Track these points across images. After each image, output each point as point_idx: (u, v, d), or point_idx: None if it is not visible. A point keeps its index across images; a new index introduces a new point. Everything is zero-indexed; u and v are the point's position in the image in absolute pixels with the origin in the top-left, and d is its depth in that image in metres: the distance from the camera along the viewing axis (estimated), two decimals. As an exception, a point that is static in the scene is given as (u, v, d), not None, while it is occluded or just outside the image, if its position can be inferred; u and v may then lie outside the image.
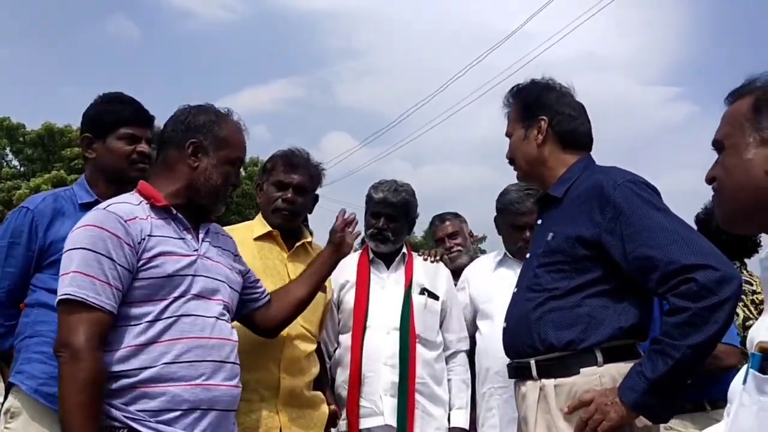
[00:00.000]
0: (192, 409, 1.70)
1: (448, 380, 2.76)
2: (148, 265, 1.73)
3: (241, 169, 2.02)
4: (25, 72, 44.15)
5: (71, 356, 1.60)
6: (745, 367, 1.13)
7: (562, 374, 1.79)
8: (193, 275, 1.78)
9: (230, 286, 1.92)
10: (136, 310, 1.72)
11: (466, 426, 2.75)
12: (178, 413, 1.69)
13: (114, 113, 2.19)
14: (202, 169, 1.87)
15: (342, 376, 2.63)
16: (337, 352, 2.70)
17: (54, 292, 1.93)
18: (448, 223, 3.64)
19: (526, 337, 1.86)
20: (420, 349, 2.63)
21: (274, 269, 2.35)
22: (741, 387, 1.09)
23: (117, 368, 1.69)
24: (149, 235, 1.76)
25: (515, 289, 2.01)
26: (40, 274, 2.10)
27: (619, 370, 1.75)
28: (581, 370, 1.77)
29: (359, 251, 2.88)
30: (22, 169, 24.57)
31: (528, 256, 2.00)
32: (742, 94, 1.25)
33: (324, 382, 2.61)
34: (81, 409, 1.58)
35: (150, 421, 1.66)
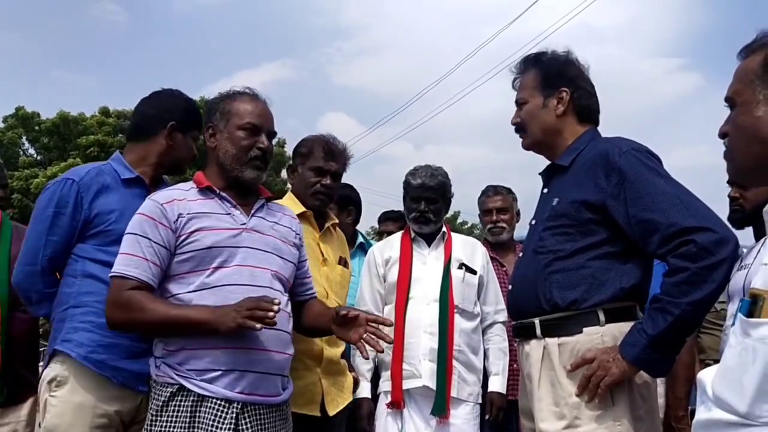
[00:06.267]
0: (231, 370, 1.81)
1: (486, 349, 2.89)
2: (188, 240, 1.87)
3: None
4: (14, 58, 44.01)
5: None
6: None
7: (565, 333, 1.80)
8: (236, 246, 1.89)
9: (281, 257, 2.00)
10: (186, 281, 1.87)
11: (503, 390, 2.88)
12: (218, 373, 1.81)
13: (196, 115, 2.30)
14: (218, 145, 2.01)
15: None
16: None
17: (98, 262, 2.06)
18: (500, 197, 3.55)
19: (531, 298, 1.87)
20: (458, 319, 2.76)
21: (308, 248, 2.39)
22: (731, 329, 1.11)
23: None
24: (188, 213, 1.89)
25: (520, 254, 2.04)
26: (83, 245, 2.09)
27: (620, 329, 1.76)
28: (584, 329, 1.78)
29: (402, 231, 3.01)
30: (38, 157, 24.72)
31: (533, 222, 2.01)
32: (753, 50, 1.23)
33: (347, 352, 2.74)
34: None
35: (196, 380, 1.80)
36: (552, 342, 1.83)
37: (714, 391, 1.04)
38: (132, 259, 1.85)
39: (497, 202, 3.55)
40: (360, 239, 3.39)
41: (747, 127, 1.20)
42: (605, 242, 1.82)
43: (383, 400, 2.78)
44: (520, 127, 2.06)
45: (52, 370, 2.06)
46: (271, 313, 1.74)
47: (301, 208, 2.54)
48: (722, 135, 1.27)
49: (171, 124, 2.24)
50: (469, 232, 23.62)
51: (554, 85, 1.99)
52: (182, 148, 2.27)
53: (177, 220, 1.89)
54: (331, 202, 2.70)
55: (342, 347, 2.61)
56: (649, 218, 1.71)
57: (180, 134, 2.26)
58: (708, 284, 1.61)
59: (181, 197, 1.95)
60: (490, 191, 3.61)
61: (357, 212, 3.43)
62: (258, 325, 1.74)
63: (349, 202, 3.37)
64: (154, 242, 1.87)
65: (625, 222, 1.76)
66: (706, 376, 1.09)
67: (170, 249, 1.88)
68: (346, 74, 51.89)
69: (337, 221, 2.75)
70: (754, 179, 1.32)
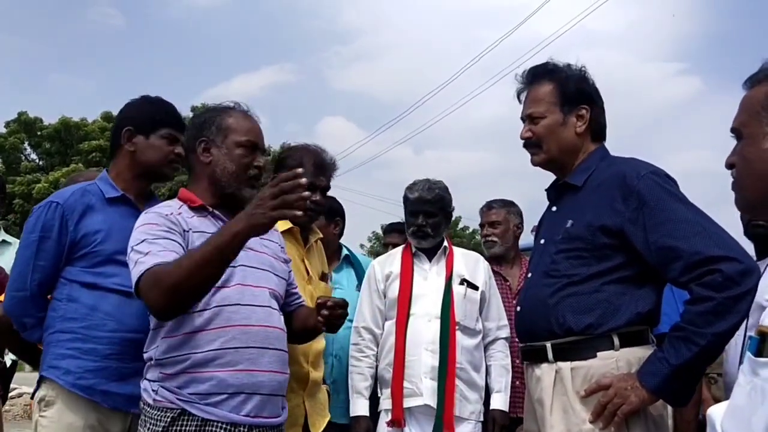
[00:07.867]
0: (237, 393, 1.76)
1: (488, 366, 2.84)
2: None
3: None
4: (14, 61, 43.79)
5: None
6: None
7: (578, 357, 1.76)
8: (234, 266, 1.80)
9: (276, 274, 1.96)
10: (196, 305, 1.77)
11: (506, 408, 2.83)
12: (224, 396, 1.74)
13: (161, 113, 2.20)
14: (215, 161, 1.91)
15: (386, 360, 2.75)
16: (382, 337, 2.81)
17: (84, 285, 2.02)
18: (493, 211, 3.54)
19: (542, 321, 1.82)
20: (459, 336, 2.71)
21: (293, 265, 2.32)
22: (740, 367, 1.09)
23: (172, 354, 1.77)
24: (190, 229, 1.83)
25: (530, 274, 1.98)
26: (71, 267, 2.06)
27: (635, 354, 1.73)
28: (598, 353, 1.74)
29: (403, 246, 2.96)
30: (40, 162, 24.77)
31: (542, 241, 1.96)
32: (758, 81, 1.21)
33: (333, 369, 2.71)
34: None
35: (200, 404, 1.73)
36: (565, 366, 1.78)
37: (723, 430, 1.03)
38: (151, 255, 1.72)
39: (490, 217, 3.58)
40: (345, 252, 3.34)
41: (753, 160, 1.19)
42: (621, 267, 1.78)
43: (384, 418, 2.72)
44: (532, 143, 1.98)
45: (42, 391, 2.06)
46: (300, 190, 1.54)
47: (288, 224, 2.45)
48: (729, 166, 1.25)
49: (127, 129, 2.16)
50: (470, 238, 23.60)
51: (574, 102, 1.93)
52: (147, 152, 2.16)
53: (185, 232, 1.83)
54: (319, 216, 2.64)
55: (324, 369, 2.55)
56: (671, 245, 1.67)
57: (142, 137, 2.16)
58: (733, 315, 1.59)
59: (178, 212, 1.88)
60: (485, 207, 3.66)
61: (343, 223, 3.39)
62: (299, 213, 1.55)
63: (336, 214, 3.30)
64: (172, 240, 1.77)
65: (644, 248, 1.72)
66: (716, 413, 1.08)
67: (185, 248, 1.79)
68: (344, 78, 51.91)
69: (321, 236, 2.67)
70: (762, 212, 1.31)
